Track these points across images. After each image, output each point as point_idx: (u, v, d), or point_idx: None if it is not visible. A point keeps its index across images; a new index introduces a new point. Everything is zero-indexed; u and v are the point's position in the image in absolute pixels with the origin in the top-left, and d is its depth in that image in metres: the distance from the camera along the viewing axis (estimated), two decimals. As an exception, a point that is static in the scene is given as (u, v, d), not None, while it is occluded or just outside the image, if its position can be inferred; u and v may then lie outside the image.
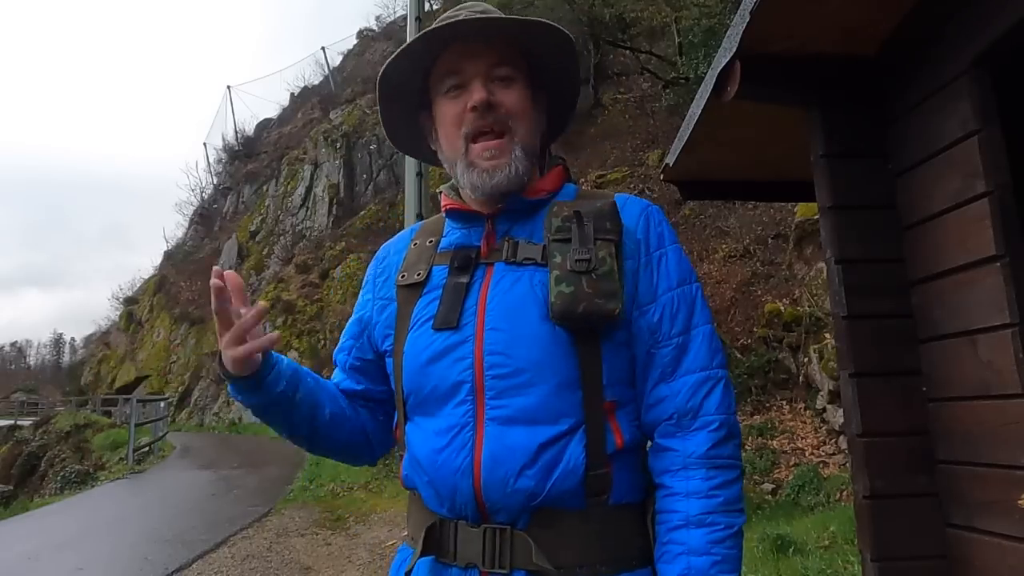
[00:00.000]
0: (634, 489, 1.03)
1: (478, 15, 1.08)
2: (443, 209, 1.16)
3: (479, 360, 1.00)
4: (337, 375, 1.24)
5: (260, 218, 28.64)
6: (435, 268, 1.10)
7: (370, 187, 24.91)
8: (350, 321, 1.23)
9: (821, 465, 6.61)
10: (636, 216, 1.08)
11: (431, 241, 1.14)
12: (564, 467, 0.96)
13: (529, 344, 0.99)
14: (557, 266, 1.00)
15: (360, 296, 1.23)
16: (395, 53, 1.10)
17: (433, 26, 1.08)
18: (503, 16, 1.08)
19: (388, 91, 1.15)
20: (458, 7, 1.14)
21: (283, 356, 1.10)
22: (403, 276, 1.13)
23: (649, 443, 1.08)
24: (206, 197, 36.86)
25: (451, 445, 0.99)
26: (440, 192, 1.19)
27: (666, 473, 1.01)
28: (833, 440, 6.85)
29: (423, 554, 1.01)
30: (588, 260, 0.99)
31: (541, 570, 0.95)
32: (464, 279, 1.05)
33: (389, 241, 1.25)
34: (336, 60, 35.89)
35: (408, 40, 1.13)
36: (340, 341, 1.24)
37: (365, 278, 1.23)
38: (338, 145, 25.83)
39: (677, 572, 0.96)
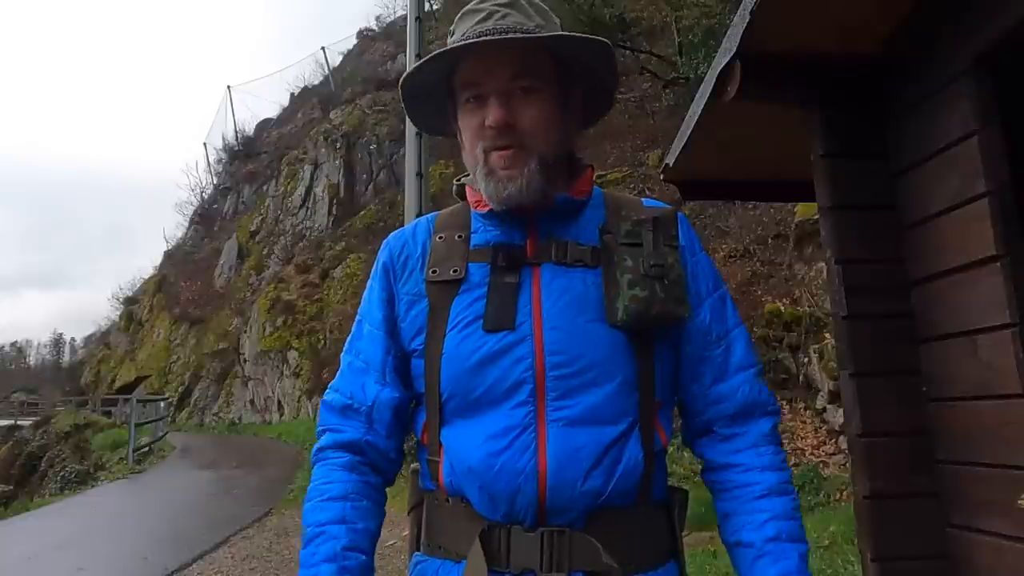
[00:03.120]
0: (663, 487, 1.08)
1: (503, 19, 1.03)
2: (475, 206, 1.11)
3: (540, 360, 0.99)
4: (370, 387, 1.09)
5: (260, 218, 28.62)
6: (472, 265, 1.06)
7: (370, 187, 24.90)
8: (371, 319, 1.13)
9: (821, 465, 6.61)
10: (679, 223, 1.12)
11: (460, 236, 1.10)
12: (625, 466, 0.98)
13: (592, 343, 1.00)
14: (629, 269, 1.01)
15: (374, 289, 1.14)
16: (414, 66, 1.08)
17: (460, 33, 1.05)
18: (527, 35, 1.03)
19: (411, 96, 1.14)
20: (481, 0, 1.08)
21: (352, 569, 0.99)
22: (434, 271, 1.07)
23: (702, 438, 1.12)
24: (206, 197, 36.81)
25: (511, 447, 0.97)
26: (463, 183, 1.15)
27: (737, 452, 1.07)
28: (833, 440, 6.85)
29: (474, 563, 0.96)
30: (662, 266, 1.02)
31: (602, 570, 0.96)
32: (512, 279, 1.03)
33: (400, 231, 1.18)
34: (336, 60, 35.86)
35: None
36: (369, 346, 1.11)
37: (377, 270, 1.15)
38: (338, 145, 25.82)
39: (769, 535, 1.01)
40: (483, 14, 1.05)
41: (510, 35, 1.02)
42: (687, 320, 1.04)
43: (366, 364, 1.11)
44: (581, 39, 1.06)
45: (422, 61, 1.06)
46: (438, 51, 1.04)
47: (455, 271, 1.06)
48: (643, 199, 1.17)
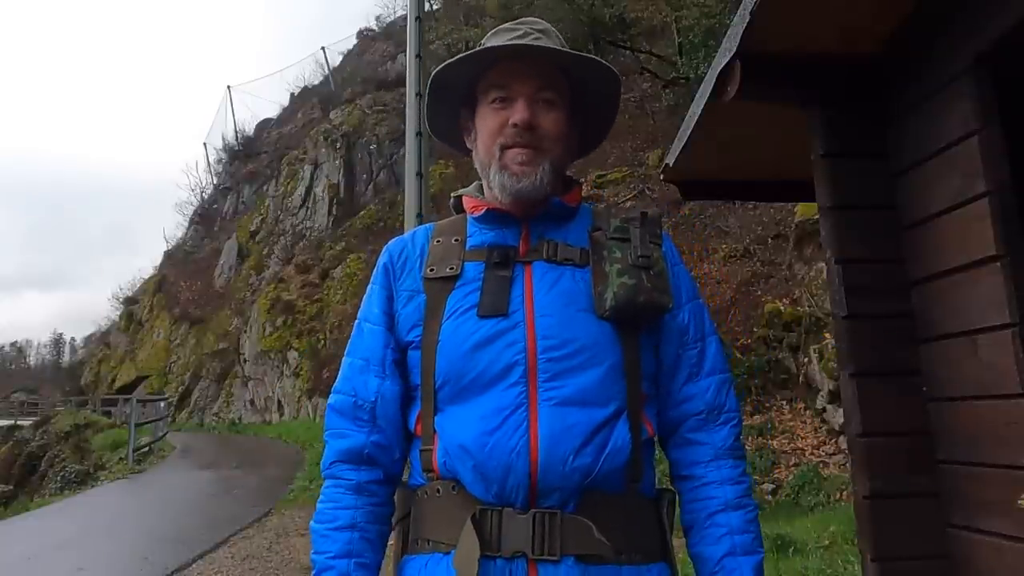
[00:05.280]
0: (651, 484, 1.12)
1: (537, 40, 1.14)
2: (471, 210, 1.19)
3: (532, 344, 1.04)
4: (372, 382, 1.13)
5: (260, 218, 28.61)
6: (468, 264, 1.13)
7: (370, 187, 24.89)
8: (371, 317, 1.17)
9: (821, 465, 6.61)
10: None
11: (456, 240, 1.17)
12: (613, 446, 1.02)
13: (582, 330, 1.06)
14: (618, 260, 1.08)
15: (375, 289, 1.19)
16: (454, 59, 1.17)
17: (498, 43, 1.15)
18: (563, 49, 1.15)
19: (437, 88, 1.22)
20: (519, 21, 1.20)
21: None
22: (432, 270, 1.14)
23: (670, 438, 1.18)
24: (206, 197, 36.82)
25: (503, 426, 1.00)
26: (461, 195, 1.24)
27: (697, 464, 1.13)
28: (833, 440, 6.85)
29: (466, 544, 0.97)
30: (648, 257, 1.09)
31: (592, 555, 0.98)
32: (505, 273, 1.10)
33: (399, 238, 1.26)
34: (336, 60, 35.88)
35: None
36: (369, 343, 1.15)
37: (378, 270, 1.21)
38: (338, 145, 25.81)
39: (724, 551, 1.08)
40: (519, 32, 1.16)
41: (551, 47, 1.14)
42: (670, 312, 1.10)
43: (366, 361, 1.15)
44: (604, 64, 1.19)
45: (462, 55, 1.15)
46: (481, 48, 1.15)
47: (451, 268, 1.13)
48: None
